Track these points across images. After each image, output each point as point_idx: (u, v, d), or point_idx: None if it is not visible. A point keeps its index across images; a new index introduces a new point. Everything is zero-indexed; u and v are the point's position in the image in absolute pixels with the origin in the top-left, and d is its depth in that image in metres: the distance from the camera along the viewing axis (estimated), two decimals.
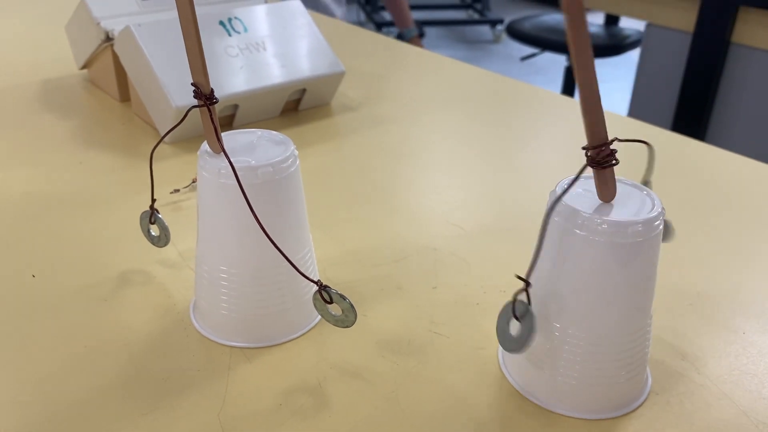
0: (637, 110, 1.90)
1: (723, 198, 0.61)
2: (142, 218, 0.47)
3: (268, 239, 0.39)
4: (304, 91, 0.73)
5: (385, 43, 1.04)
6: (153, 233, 0.47)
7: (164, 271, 0.48)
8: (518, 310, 0.35)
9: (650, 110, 1.86)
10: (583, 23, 0.30)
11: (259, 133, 0.42)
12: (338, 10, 1.65)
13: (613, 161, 0.34)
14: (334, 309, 0.38)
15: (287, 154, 0.39)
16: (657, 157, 0.42)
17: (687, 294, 0.47)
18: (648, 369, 0.40)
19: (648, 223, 0.34)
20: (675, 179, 0.63)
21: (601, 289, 0.35)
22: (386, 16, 3.96)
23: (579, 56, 0.31)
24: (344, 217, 0.56)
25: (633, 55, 2.15)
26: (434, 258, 0.50)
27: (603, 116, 0.33)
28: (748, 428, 0.37)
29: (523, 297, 0.34)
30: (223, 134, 0.40)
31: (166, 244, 0.47)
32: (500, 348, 0.42)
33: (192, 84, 0.38)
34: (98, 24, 0.71)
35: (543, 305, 0.37)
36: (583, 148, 0.34)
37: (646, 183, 0.38)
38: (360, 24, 4.31)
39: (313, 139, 0.70)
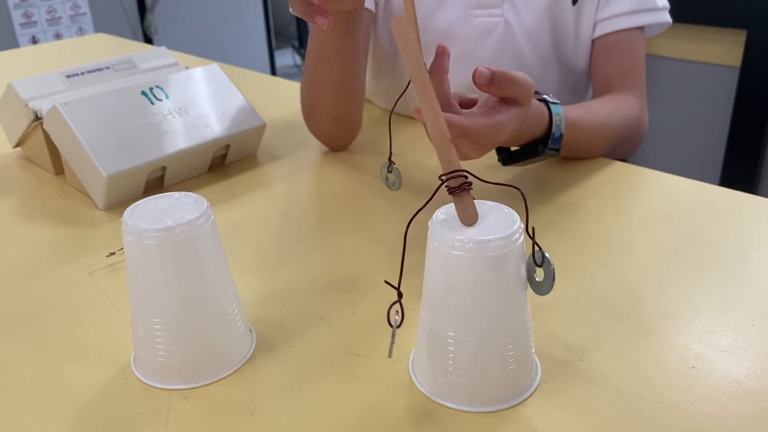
0: None
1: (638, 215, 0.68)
2: (381, 168, 0.66)
3: (193, 289, 0.44)
4: (228, 146, 0.78)
5: None
6: (390, 180, 0.66)
7: (105, 329, 0.52)
8: (537, 259, 0.41)
9: None
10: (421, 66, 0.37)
11: (176, 195, 0.47)
12: None
13: (468, 187, 0.40)
14: None
15: (201, 212, 0.44)
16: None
17: (578, 295, 0.54)
18: (537, 362, 0.46)
19: (508, 237, 0.40)
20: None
21: (477, 298, 0.41)
22: None
23: (423, 98, 0.38)
24: (271, 260, 0.61)
25: None
26: (353, 287, 0.56)
27: (452, 149, 0.40)
28: (619, 400, 0.43)
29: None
30: (142, 200, 0.46)
31: (399, 187, 0.66)
32: (411, 358, 0.47)
33: None
34: (27, 105, 0.75)
35: (436, 320, 0.43)
36: (440, 177, 0.41)
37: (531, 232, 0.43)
38: (296, 67, 4.40)
39: (241, 191, 0.75)
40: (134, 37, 3.14)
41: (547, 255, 0.41)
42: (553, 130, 0.67)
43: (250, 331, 0.51)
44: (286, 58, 4.44)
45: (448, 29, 0.84)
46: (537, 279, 0.42)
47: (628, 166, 0.76)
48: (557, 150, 0.68)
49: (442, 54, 0.58)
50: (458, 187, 0.40)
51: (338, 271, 0.59)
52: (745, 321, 0.50)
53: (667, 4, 0.84)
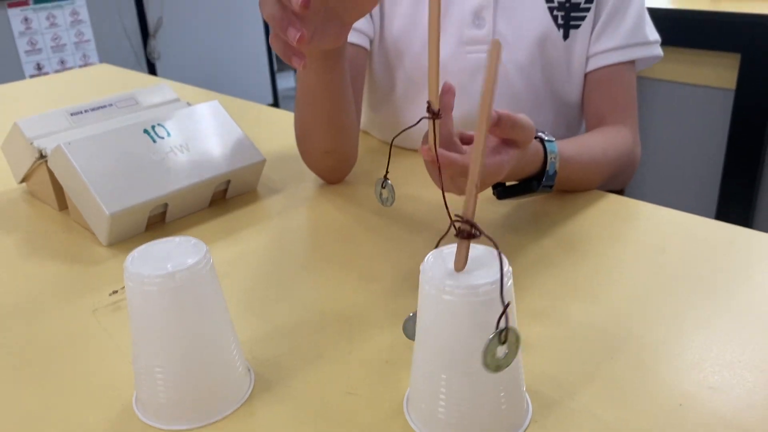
0: None
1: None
2: (376, 184, 0.67)
3: (193, 333, 0.46)
4: (229, 181, 0.80)
5: None
6: (383, 196, 0.67)
7: (108, 369, 0.53)
8: (501, 337, 0.40)
9: None
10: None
11: (177, 240, 0.48)
12: None
13: (472, 237, 0.42)
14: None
15: (200, 257, 0.46)
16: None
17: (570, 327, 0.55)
18: (528, 400, 0.47)
19: (497, 282, 0.41)
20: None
21: (468, 340, 0.42)
22: None
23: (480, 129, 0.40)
24: (271, 297, 0.62)
25: None
26: (349, 325, 0.57)
27: (474, 196, 0.42)
28: None
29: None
30: (143, 246, 0.47)
31: (392, 203, 0.67)
32: (405, 398, 0.48)
33: (427, 102, 0.54)
34: (32, 144, 0.77)
35: (429, 360, 0.44)
36: (454, 217, 0.42)
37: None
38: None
39: (241, 225, 0.76)
40: (137, 62, 3.18)
41: (515, 329, 0.40)
42: (548, 168, 0.69)
43: (249, 370, 0.52)
44: (287, 80, 4.49)
45: (442, 65, 0.86)
46: (498, 354, 0.40)
47: (622, 199, 0.78)
48: (551, 186, 0.70)
49: (447, 92, 0.60)
50: (464, 232, 0.42)
51: (334, 307, 0.60)
52: (732, 357, 0.51)
53: (658, 38, 0.86)
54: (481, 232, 0.42)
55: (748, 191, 1.79)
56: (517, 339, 0.41)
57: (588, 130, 0.88)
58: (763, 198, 1.80)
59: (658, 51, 0.87)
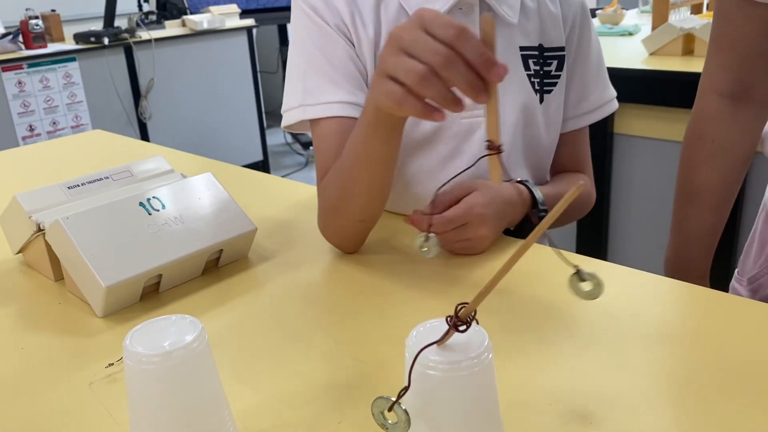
0: None
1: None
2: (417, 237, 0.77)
3: (189, 410, 0.48)
4: (221, 250, 0.83)
5: (294, 188, 1.16)
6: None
7: None
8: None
9: None
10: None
11: (173, 318, 0.50)
12: None
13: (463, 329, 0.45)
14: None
15: (196, 335, 0.48)
16: None
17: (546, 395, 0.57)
18: None
19: (478, 356, 0.44)
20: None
21: (454, 413, 0.44)
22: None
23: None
24: (262, 367, 0.64)
25: None
26: (339, 394, 0.59)
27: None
28: None
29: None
30: (141, 325, 0.49)
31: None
32: None
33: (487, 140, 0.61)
34: (30, 217, 0.80)
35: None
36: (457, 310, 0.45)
37: None
38: (287, 144, 4.52)
39: (233, 294, 0.79)
40: (129, 123, 3.24)
41: (404, 411, 0.44)
42: (537, 197, 0.83)
43: None
44: (277, 136, 4.57)
45: (438, 130, 0.92)
46: (390, 421, 0.45)
47: (596, 262, 0.81)
48: (547, 212, 0.77)
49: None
50: (456, 324, 0.45)
51: (324, 377, 0.62)
52: (706, 424, 0.53)
53: (615, 93, 1.01)
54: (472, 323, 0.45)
55: (729, 237, 1.83)
56: (407, 420, 0.44)
57: (550, 177, 1.03)
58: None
59: (616, 104, 1.01)
